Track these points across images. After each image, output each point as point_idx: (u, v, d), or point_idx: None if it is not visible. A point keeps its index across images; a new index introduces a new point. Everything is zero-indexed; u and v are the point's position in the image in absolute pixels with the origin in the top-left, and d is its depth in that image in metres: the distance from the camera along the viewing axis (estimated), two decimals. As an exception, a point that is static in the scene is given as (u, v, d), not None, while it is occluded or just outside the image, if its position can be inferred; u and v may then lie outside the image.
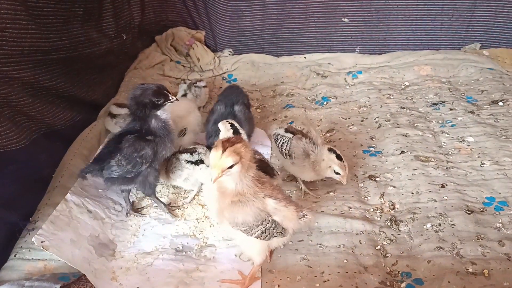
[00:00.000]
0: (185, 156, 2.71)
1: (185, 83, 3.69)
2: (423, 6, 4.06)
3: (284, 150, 2.70)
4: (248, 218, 1.96)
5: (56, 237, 2.27)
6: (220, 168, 1.82)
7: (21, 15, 2.58)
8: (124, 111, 3.09)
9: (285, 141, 2.70)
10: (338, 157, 2.57)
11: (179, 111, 2.82)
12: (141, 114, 2.46)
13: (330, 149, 2.61)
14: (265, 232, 2.00)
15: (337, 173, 2.58)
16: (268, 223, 1.99)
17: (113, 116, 3.14)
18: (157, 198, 2.68)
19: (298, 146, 2.63)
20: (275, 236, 2.04)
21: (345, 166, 2.58)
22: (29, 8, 2.66)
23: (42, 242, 2.19)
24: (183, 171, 2.69)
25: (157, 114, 2.49)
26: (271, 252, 2.34)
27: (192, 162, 2.70)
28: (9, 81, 2.58)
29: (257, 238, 2.02)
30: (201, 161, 2.70)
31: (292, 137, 2.69)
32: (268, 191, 2.01)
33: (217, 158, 1.82)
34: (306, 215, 2.09)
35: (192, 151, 2.73)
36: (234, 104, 3.01)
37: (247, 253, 2.30)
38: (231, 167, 1.83)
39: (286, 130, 2.77)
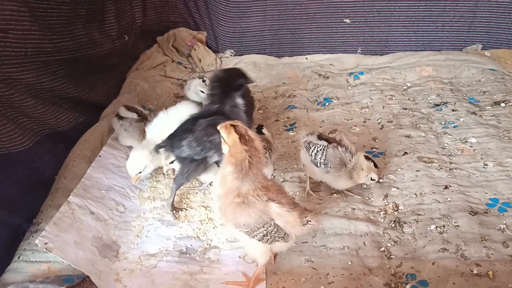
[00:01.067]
0: None
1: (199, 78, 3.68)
2: (424, 7, 4.07)
3: (318, 159, 2.61)
4: (249, 220, 1.96)
5: (60, 238, 2.26)
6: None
7: (24, 16, 2.58)
8: (132, 115, 3.09)
9: (320, 150, 2.62)
10: (375, 165, 2.58)
11: (184, 115, 2.84)
12: (222, 95, 2.59)
13: (366, 157, 2.58)
14: (266, 236, 2.00)
15: (373, 180, 2.60)
16: (270, 227, 1.98)
17: (120, 117, 3.11)
18: (175, 193, 2.70)
19: (336, 156, 2.57)
20: (277, 241, 2.04)
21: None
22: (32, 9, 2.66)
23: (45, 244, 2.18)
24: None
25: (236, 98, 2.60)
26: (275, 254, 2.34)
27: None
28: (12, 83, 2.57)
29: (259, 240, 2.01)
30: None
31: (328, 145, 2.61)
32: (272, 194, 2.00)
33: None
34: (309, 221, 2.07)
35: None
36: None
37: (251, 254, 2.30)
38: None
39: (319, 137, 2.68)
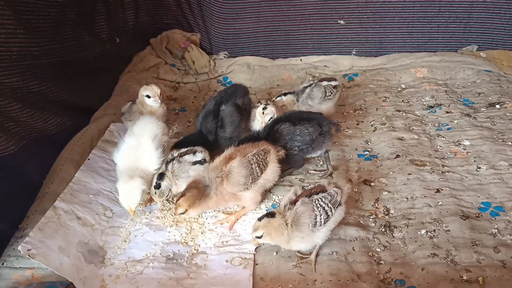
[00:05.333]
0: (189, 158, 2.68)
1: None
2: (419, 8, 4.03)
3: None
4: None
5: (44, 244, 2.23)
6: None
7: (8, 19, 2.54)
8: None
9: None
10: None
11: (151, 129, 2.78)
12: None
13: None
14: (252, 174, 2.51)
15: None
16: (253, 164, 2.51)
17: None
18: None
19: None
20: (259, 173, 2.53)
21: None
22: (17, 12, 2.62)
23: (28, 250, 2.15)
24: (190, 173, 2.65)
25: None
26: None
27: (197, 162, 2.68)
28: None
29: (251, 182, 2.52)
30: (205, 160, 2.71)
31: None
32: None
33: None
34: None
35: (193, 152, 2.71)
36: (222, 102, 2.98)
37: (247, 203, 2.61)
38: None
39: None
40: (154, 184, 2.59)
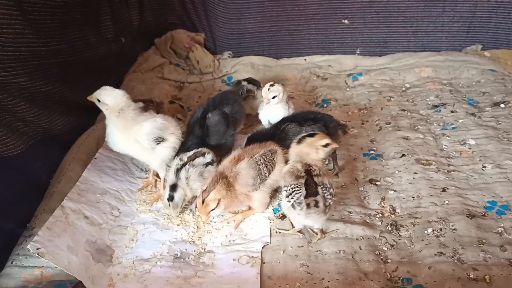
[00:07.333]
0: (201, 160, 2.68)
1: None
2: (423, 7, 4.03)
3: None
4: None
5: (52, 243, 2.24)
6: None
7: (17, 19, 2.55)
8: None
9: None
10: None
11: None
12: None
13: None
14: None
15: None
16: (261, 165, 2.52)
17: None
18: None
19: None
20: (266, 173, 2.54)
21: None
22: (25, 12, 2.63)
23: (37, 249, 2.15)
24: (204, 175, 2.64)
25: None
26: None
27: (208, 163, 2.69)
28: (6, 87, 2.55)
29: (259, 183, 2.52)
30: (213, 161, 2.72)
31: None
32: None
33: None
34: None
35: (202, 154, 2.71)
36: (209, 111, 2.93)
37: (256, 205, 2.62)
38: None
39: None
40: (167, 196, 2.58)
